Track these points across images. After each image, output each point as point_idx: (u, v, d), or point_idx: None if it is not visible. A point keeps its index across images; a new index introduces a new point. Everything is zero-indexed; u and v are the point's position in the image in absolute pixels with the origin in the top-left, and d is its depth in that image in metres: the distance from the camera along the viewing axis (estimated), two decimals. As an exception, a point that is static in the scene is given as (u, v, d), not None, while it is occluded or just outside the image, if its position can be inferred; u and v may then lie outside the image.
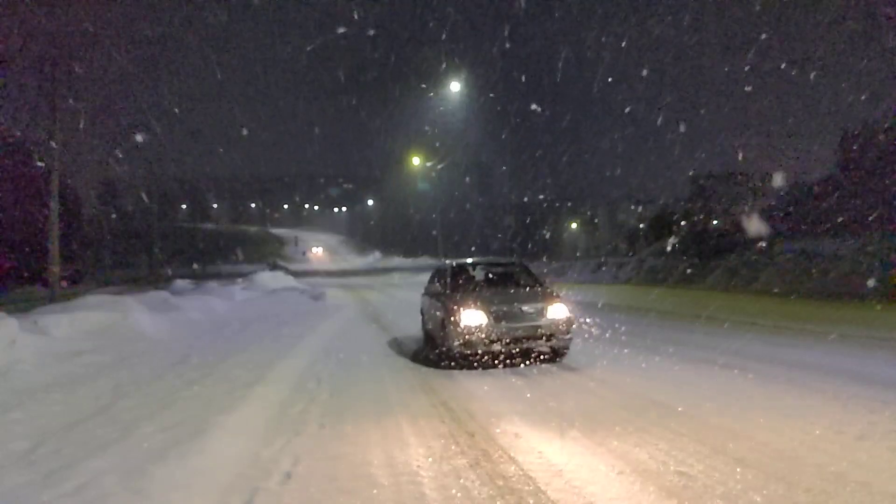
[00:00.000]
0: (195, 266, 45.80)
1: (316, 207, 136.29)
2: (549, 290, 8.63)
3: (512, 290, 8.78)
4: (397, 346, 10.39)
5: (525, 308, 7.88)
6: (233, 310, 15.68)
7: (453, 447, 4.63)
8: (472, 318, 7.67)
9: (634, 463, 4.11)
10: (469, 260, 10.41)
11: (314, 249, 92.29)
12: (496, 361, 7.98)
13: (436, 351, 8.69)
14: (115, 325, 10.11)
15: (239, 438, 4.81)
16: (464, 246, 68.73)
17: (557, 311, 7.93)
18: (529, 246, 65.08)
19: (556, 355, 8.18)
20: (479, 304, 7.87)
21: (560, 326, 7.84)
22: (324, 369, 8.08)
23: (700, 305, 14.19)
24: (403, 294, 26.10)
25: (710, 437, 4.56)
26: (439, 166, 48.54)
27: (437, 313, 8.67)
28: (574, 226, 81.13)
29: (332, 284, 33.29)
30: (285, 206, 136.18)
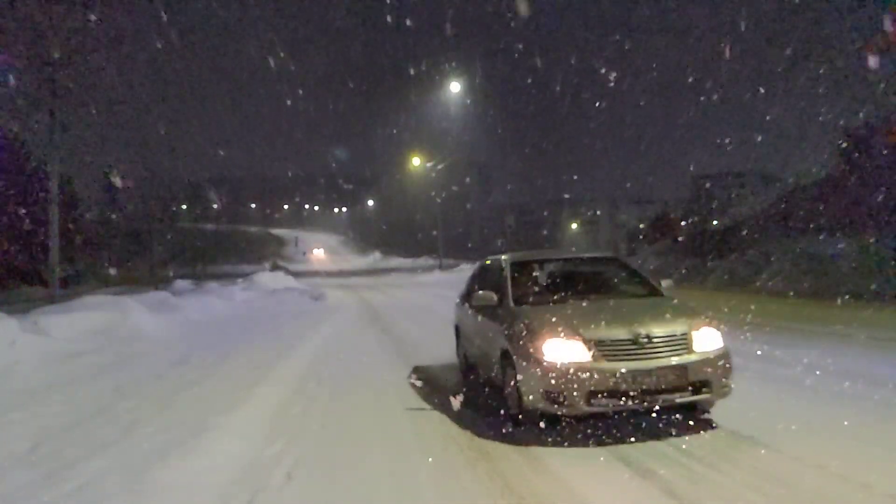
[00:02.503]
0: (196, 266, 45.79)
1: (316, 207, 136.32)
2: (683, 304, 5.40)
3: (620, 304, 5.48)
4: (397, 346, 10.37)
5: (655, 334, 4.65)
6: (233, 310, 15.69)
7: None
8: (562, 352, 4.59)
9: None
10: (533, 254, 7.50)
11: (315, 251, 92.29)
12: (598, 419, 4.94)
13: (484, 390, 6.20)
14: (115, 325, 10.11)
15: (239, 439, 4.80)
16: (464, 246, 68.78)
17: (708, 340, 4.79)
18: (530, 246, 65.13)
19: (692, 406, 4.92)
20: (571, 327, 4.71)
21: (717, 367, 4.68)
22: (324, 370, 8.07)
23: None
24: (403, 294, 26.10)
25: None
26: (439, 166, 48.53)
27: (492, 339, 5.64)
28: (574, 226, 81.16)
29: (333, 285, 33.29)
30: (285, 207, 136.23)
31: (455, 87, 38.17)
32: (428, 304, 20.26)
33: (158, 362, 8.03)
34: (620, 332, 4.67)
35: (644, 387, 4.48)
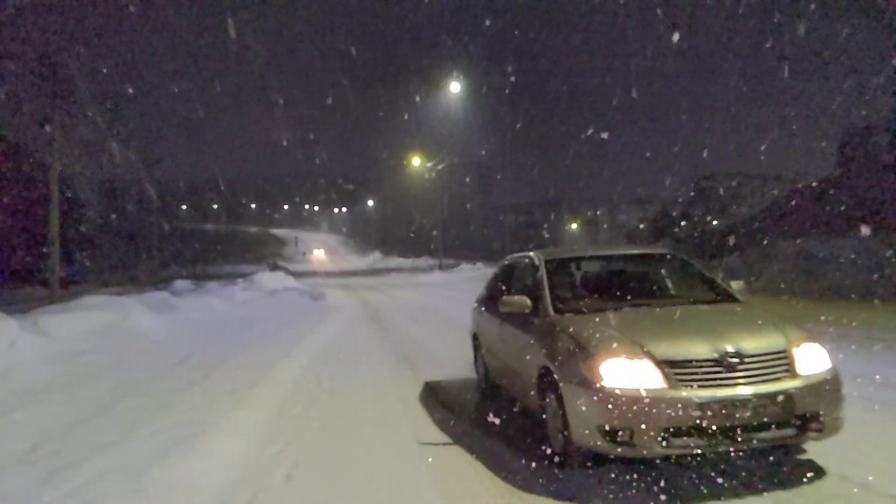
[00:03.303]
0: (196, 266, 45.83)
1: (316, 208, 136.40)
2: (770, 312, 4.34)
3: (691, 312, 4.38)
4: (398, 347, 10.37)
5: (746, 352, 3.68)
6: (233, 310, 15.68)
7: None
8: (626, 375, 3.63)
9: None
10: (572, 250, 6.20)
11: (315, 251, 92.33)
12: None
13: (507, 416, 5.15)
14: (115, 325, 10.10)
15: (240, 439, 4.80)
16: (464, 246, 68.74)
17: (813, 359, 3.82)
18: (530, 246, 65.06)
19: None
20: (635, 343, 3.76)
21: (826, 394, 3.72)
22: (324, 370, 8.07)
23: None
24: (403, 294, 26.10)
25: None
26: (439, 166, 48.56)
27: (526, 354, 4.60)
28: (574, 226, 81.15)
29: (333, 285, 33.29)
30: (285, 207, 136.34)
31: (455, 87, 38.21)
32: (428, 304, 20.26)
33: (158, 362, 8.03)
34: (701, 350, 3.65)
35: (737, 422, 3.45)
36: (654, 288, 5.23)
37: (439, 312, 16.63)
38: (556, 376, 3.97)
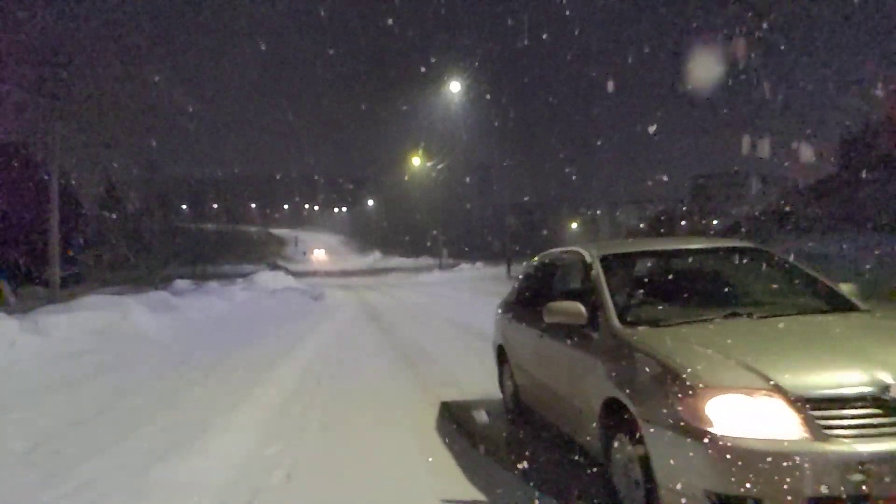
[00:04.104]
0: (196, 266, 45.83)
1: (316, 207, 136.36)
2: None
3: (811, 325, 3.39)
4: (398, 348, 10.37)
5: None
6: (233, 310, 15.68)
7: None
8: (748, 418, 2.53)
9: None
10: (632, 244, 5.12)
11: (315, 251, 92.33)
12: None
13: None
14: (115, 325, 10.10)
15: (239, 439, 4.80)
16: (464, 246, 68.70)
17: None
18: (530, 246, 65.06)
19: None
20: (753, 370, 2.66)
21: None
22: (324, 370, 8.07)
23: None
24: (403, 294, 26.14)
25: None
26: (439, 166, 48.57)
27: (581, 377, 3.62)
28: (574, 226, 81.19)
29: (333, 285, 33.31)
30: (285, 207, 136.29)
31: (455, 87, 38.19)
32: (428, 304, 20.28)
33: (158, 362, 8.03)
34: (850, 381, 2.54)
35: None
36: (742, 292, 4.04)
37: (440, 312, 16.63)
38: (632, 412, 2.87)
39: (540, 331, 4.29)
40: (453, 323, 13.57)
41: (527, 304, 5.02)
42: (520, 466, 3.90)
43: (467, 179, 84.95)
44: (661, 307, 3.69)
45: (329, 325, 13.53)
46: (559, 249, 4.98)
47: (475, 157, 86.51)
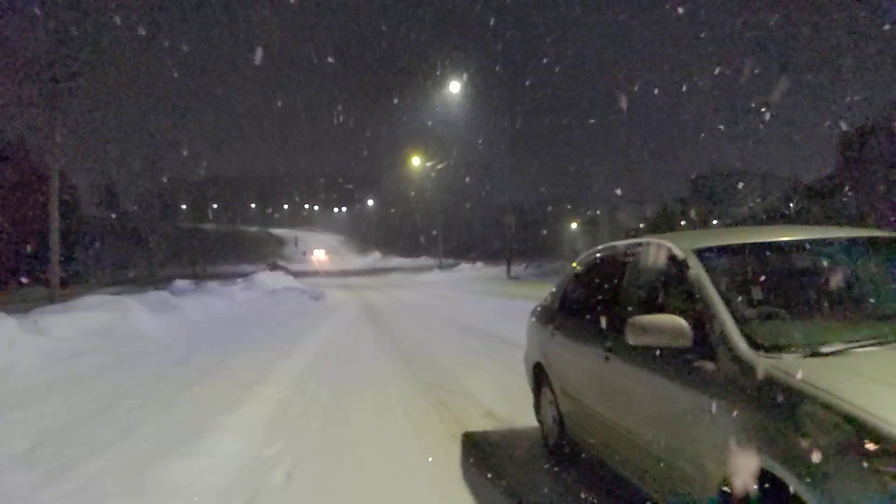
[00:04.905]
0: (196, 266, 45.86)
1: (316, 207, 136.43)
2: None
3: None
4: (397, 346, 10.37)
5: None
6: (233, 310, 15.68)
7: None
8: None
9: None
10: (734, 234, 3.37)
11: (315, 251, 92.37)
12: None
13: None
14: (115, 325, 10.10)
15: (239, 439, 4.80)
16: (463, 246, 68.75)
17: None
18: (530, 246, 65.09)
19: None
20: None
21: None
22: (324, 370, 8.07)
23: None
24: (403, 294, 26.14)
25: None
26: (439, 166, 48.59)
27: (694, 434, 2.40)
28: (574, 226, 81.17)
29: (332, 285, 33.31)
30: (285, 207, 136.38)
31: (455, 86, 38.25)
32: (428, 304, 20.30)
33: (158, 362, 8.03)
34: None
35: None
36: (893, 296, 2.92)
37: (440, 312, 16.64)
38: (800, 496, 1.80)
39: (604, 350, 3.24)
40: (453, 322, 13.58)
41: (577, 313, 4.04)
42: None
43: (467, 179, 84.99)
44: (798, 322, 2.53)
45: (329, 326, 13.52)
46: (625, 242, 3.86)
47: (475, 157, 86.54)
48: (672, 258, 3.00)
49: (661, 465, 2.68)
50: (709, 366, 2.42)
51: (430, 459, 4.29)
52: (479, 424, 5.13)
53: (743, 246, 3.08)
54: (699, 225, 29.00)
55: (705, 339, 2.49)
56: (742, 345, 2.31)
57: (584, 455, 3.88)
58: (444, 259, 52.74)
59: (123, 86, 16.82)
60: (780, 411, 2.01)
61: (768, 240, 3.18)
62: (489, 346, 9.56)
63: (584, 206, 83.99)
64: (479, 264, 51.47)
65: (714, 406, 2.27)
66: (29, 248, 23.63)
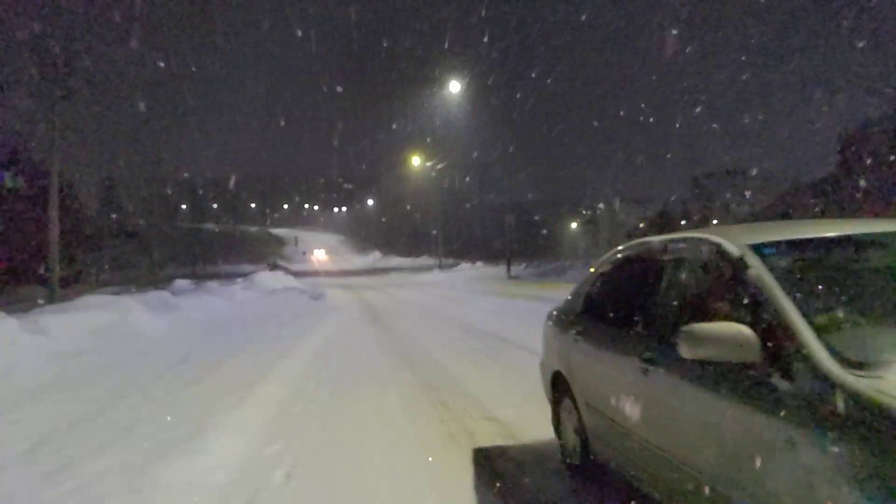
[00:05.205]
0: (196, 266, 45.90)
1: (316, 207, 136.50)
2: None
3: None
4: (397, 346, 10.37)
5: None
6: (233, 310, 15.68)
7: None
8: None
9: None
10: (795, 226, 2.93)
11: (315, 251, 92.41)
12: None
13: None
14: (115, 325, 10.10)
15: (239, 439, 4.80)
16: (463, 246, 68.71)
17: None
18: (530, 246, 65.09)
19: None
20: None
21: None
22: (324, 370, 8.07)
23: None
24: (403, 294, 26.15)
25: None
26: (439, 166, 48.63)
27: (770, 473, 1.92)
28: (574, 225, 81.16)
29: (332, 284, 33.33)
30: (285, 206, 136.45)
31: (455, 86, 38.27)
32: (428, 303, 20.31)
33: (158, 362, 8.03)
34: None
35: None
36: None
37: (440, 312, 16.64)
38: None
39: (642, 361, 2.81)
40: (454, 322, 13.59)
41: (605, 317, 3.58)
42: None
43: (467, 179, 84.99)
44: (886, 331, 2.13)
45: (329, 325, 13.52)
46: (661, 238, 3.32)
47: (475, 157, 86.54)
48: (722, 255, 2.55)
49: (714, 496, 2.25)
50: (783, 385, 2.00)
51: (430, 459, 4.29)
52: (480, 425, 5.13)
53: (808, 241, 2.59)
54: (699, 225, 29.00)
55: (776, 352, 2.07)
56: (827, 361, 1.89)
57: (612, 477, 3.43)
58: (444, 259, 52.79)
59: (124, 91, 16.82)
60: (888, 446, 1.60)
61: (836, 234, 2.64)
62: (489, 346, 9.56)
63: (584, 206, 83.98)
64: (479, 264, 51.51)
65: (794, 435, 1.86)
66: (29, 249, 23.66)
